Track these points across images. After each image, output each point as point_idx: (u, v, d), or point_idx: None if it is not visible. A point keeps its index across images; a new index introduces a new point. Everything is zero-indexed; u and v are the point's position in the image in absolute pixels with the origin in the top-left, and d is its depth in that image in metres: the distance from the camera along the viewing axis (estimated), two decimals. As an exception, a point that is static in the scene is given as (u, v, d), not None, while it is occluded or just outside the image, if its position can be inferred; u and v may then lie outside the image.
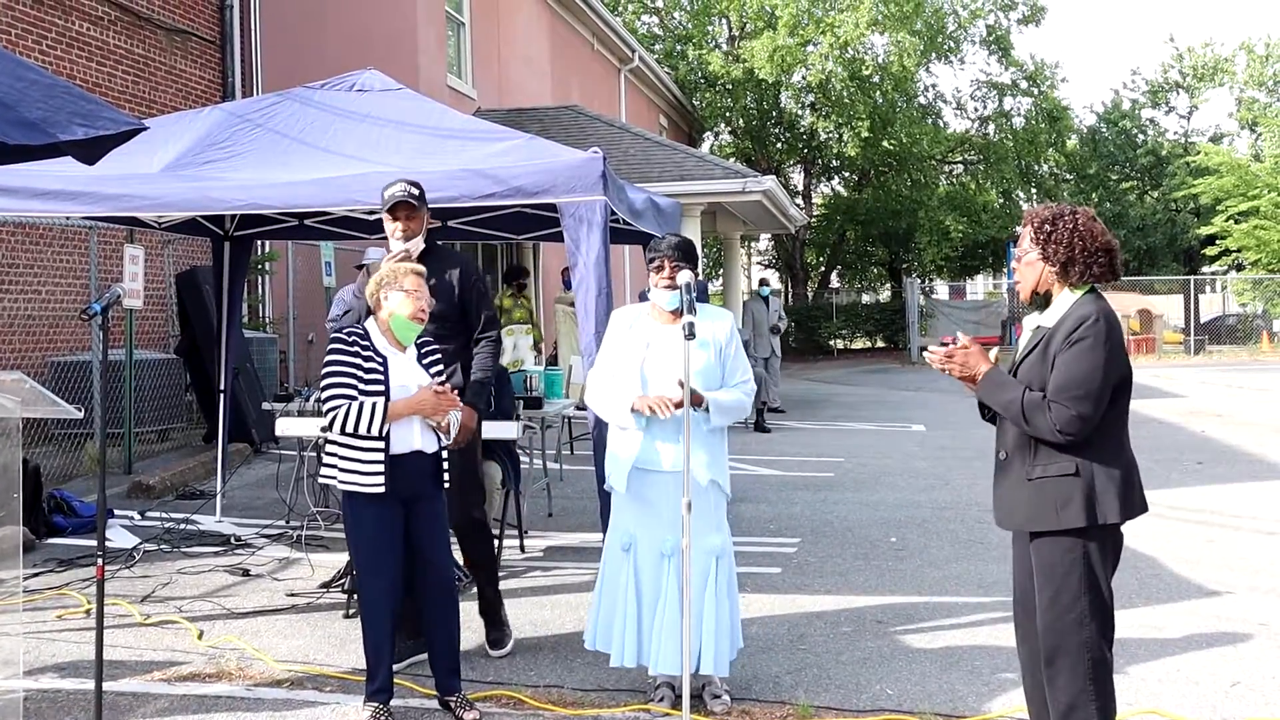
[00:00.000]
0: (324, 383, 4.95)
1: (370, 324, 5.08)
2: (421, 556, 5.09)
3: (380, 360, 4.97)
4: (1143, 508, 4.01)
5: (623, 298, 22.64)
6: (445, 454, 5.13)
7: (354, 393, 4.89)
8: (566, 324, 15.81)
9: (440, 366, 5.22)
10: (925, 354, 4.09)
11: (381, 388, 4.92)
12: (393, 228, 5.61)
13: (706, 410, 5.05)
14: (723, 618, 5.11)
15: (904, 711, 5.12)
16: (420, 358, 5.13)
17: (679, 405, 4.87)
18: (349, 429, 4.85)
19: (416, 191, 5.63)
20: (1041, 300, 4.09)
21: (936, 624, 6.49)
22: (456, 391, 5.14)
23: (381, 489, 4.89)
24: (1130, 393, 4.01)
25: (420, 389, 4.95)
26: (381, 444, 4.90)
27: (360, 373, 4.92)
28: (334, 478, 4.99)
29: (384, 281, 5.06)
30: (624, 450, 5.17)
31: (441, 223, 8.94)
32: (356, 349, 4.96)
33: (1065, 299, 3.99)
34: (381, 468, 4.89)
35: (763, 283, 19.18)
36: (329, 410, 4.90)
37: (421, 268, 5.17)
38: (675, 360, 4.85)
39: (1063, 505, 3.89)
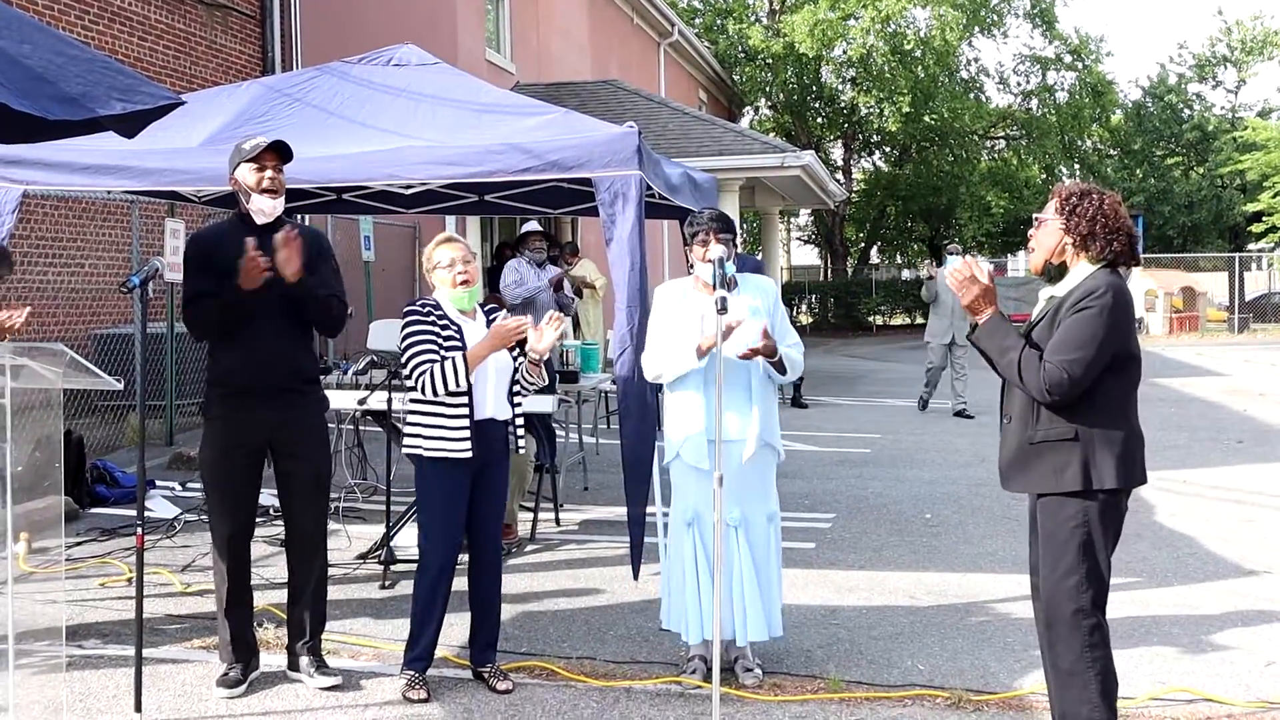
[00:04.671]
0: (407, 351, 5.07)
1: (440, 295, 5.21)
2: (479, 522, 5.19)
3: (456, 327, 5.11)
4: (1142, 479, 4.11)
5: (659, 272, 22.63)
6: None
7: (437, 355, 5.00)
8: (581, 307, 15.77)
9: None
10: (951, 264, 4.16)
11: (460, 348, 5.04)
12: (258, 178, 5.00)
13: (779, 364, 5.13)
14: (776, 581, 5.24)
15: (935, 687, 5.13)
16: (489, 324, 5.23)
17: (759, 351, 4.99)
18: (439, 387, 4.97)
19: (286, 145, 5.10)
20: (1054, 272, 4.18)
21: (970, 600, 6.49)
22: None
23: (469, 453, 5.00)
24: (1140, 367, 4.09)
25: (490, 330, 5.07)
26: (466, 410, 5.02)
27: (439, 336, 5.05)
28: (419, 447, 5.08)
29: (425, 269, 5.23)
30: (691, 424, 5.17)
31: (478, 196, 9.00)
32: (431, 316, 5.10)
33: (1081, 270, 4.10)
34: (468, 432, 5.00)
35: (951, 251, 16.10)
36: (417, 375, 5.02)
37: (454, 234, 5.26)
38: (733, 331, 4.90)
39: (1061, 468, 4.02)
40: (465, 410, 5.03)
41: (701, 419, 5.12)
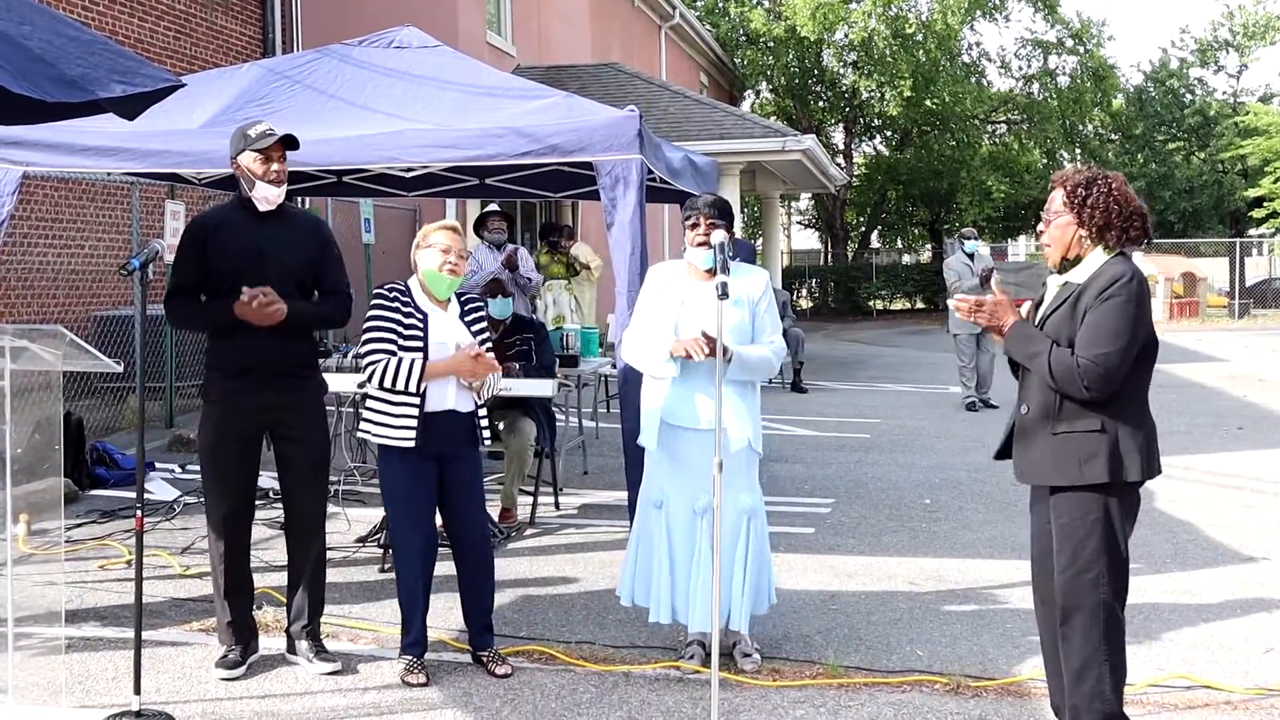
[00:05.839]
0: (364, 337, 5.05)
1: (413, 281, 5.16)
2: (456, 514, 5.17)
3: (421, 316, 5.04)
4: (1159, 469, 4.05)
5: (659, 256, 22.62)
6: (483, 413, 5.18)
7: (393, 348, 4.97)
8: (577, 290, 15.68)
9: (484, 324, 5.27)
10: (952, 301, 4.19)
11: (420, 344, 4.99)
12: (264, 169, 5.02)
13: (728, 361, 5.06)
14: (751, 576, 5.16)
15: (934, 673, 5.13)
16: (463, 314, 5.18)
17: (711, 350, 4.89)
18: (386, 384, 4.96)
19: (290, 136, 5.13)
20: (1070, 264, 4.09)
21: (969, 586, 6.49)
22: (492, 352, 5.16)
23: (411, 443, 4.96)
24: (1156, 355, 4.04)
25: (458, 350, 5.01)
26: (416, 400, 4.98)
27: (400, 328, 5.00)
28: (368, 432, 5.09)
29: (417, 242, 5.16)
30: (652, 405, 5.20)
31: (479, 180, 8.98)
32: (397, 304, 5.05)
33: (1097, 257, 4.02)
34: (414, 423, 4.96)
35: (965, 236, 14.31)
36: (368, 364, 5.00)
37: (454, 223, 5.23)
38: (710, 318, 4.86)
39: (1086, 460, 3.94)
40: (415, 401, 4.98)
41: (663, 402, 5.13)
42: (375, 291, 5.12)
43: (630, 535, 5.39)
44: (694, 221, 5.20)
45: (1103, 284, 3.91)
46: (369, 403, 5.10)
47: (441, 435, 5.04)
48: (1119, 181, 4.01)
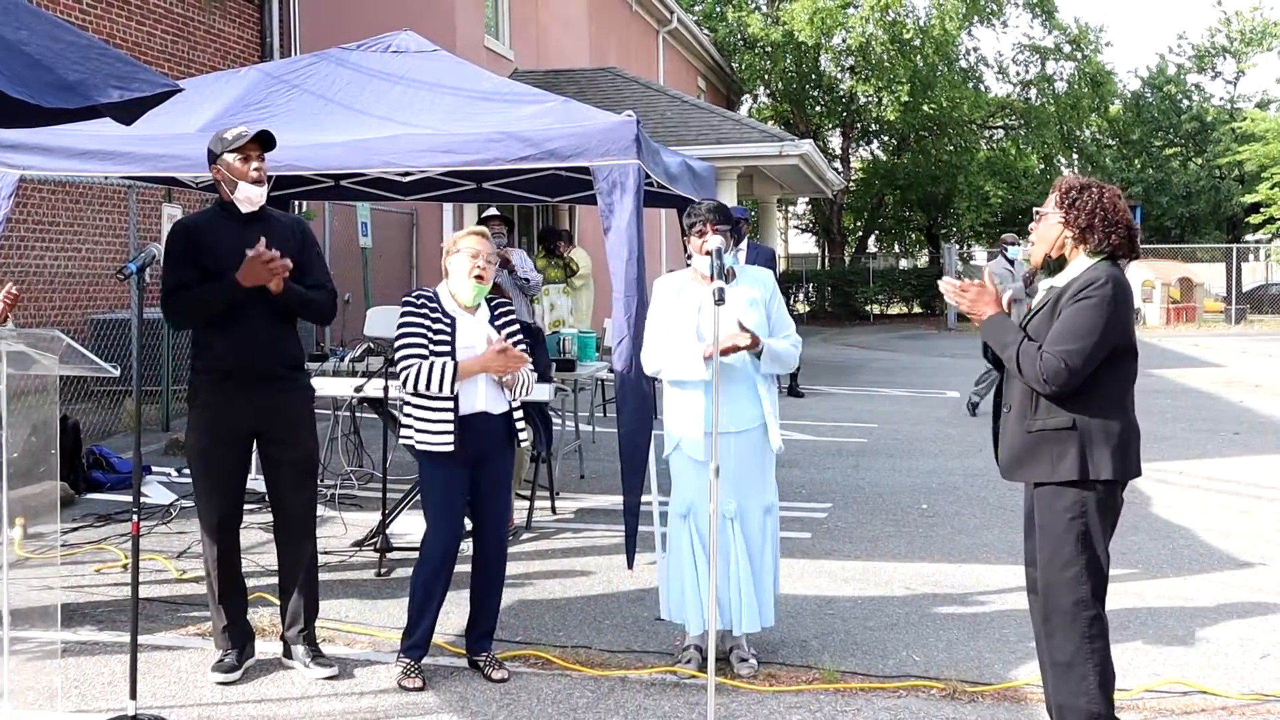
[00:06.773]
0: (398, 343, 5.09)
1: (441, 287, 5.21)
2: (481, 515, 5.20)
3: (448, 321, 5.08)
4: (1137, 471, 4.13)
5: (657, 260, 22.61)
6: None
7: (425, 352, 5.01)
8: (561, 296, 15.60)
9: (515, 326, 5.29)
10: (940, 283, 4.33)
11: (448, 348, 5.03)
12: (244, 168, 5.04)
13: (758, 355, 5.13)
14: (773, 572, 5.25)
15: (930, 678, 5.14)
16: (493, 318, 5.22)
17: (741, 347, 5.03)
18: (420, 388, 4.99)
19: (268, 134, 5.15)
20: (1055, 265, 4.23)
21: (965, 591, 6.50)
22: (524, 349, 5.19)
23: (450, 448, 4.99)
24: (1136, 359, 4.14)
25: (488, 348, 5.04)
26: (451, 405, 5.01)
27: (429, 333, 5.05)
28: (410, 439, 5.12)
29: (446, 248, 5.21)
30: (692, 417, 5.16)
31: (476, 184, 8.99)
32: (425, 310, 5.09)
33: (1081, 262, 4.14)
34: (451, 428, 5.00)
35: (1007, 242, 13.78)
36: (402, 369, 5.05)
37: (481, 229, 5.26)
38: (728, 320, 4.94)
39: (1058, 457, 4.04)
40: (449, 405, 5.01)
41: (702, 412, 5.12)
42: (403, 299, 5.17)
43: (659, 553, 5.36)
44: (700, 229, 5.21)
45: (1079, 286, 4.03)
46: (409, 409, 5.13)
47: (476, 438, 5.07)
48: (1112, 192, 4.13)
